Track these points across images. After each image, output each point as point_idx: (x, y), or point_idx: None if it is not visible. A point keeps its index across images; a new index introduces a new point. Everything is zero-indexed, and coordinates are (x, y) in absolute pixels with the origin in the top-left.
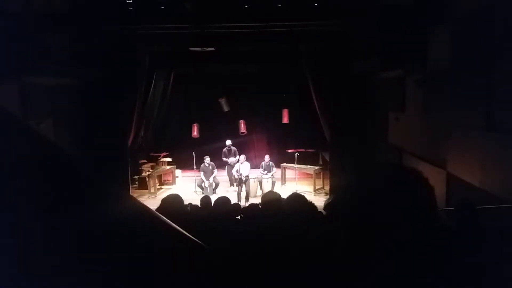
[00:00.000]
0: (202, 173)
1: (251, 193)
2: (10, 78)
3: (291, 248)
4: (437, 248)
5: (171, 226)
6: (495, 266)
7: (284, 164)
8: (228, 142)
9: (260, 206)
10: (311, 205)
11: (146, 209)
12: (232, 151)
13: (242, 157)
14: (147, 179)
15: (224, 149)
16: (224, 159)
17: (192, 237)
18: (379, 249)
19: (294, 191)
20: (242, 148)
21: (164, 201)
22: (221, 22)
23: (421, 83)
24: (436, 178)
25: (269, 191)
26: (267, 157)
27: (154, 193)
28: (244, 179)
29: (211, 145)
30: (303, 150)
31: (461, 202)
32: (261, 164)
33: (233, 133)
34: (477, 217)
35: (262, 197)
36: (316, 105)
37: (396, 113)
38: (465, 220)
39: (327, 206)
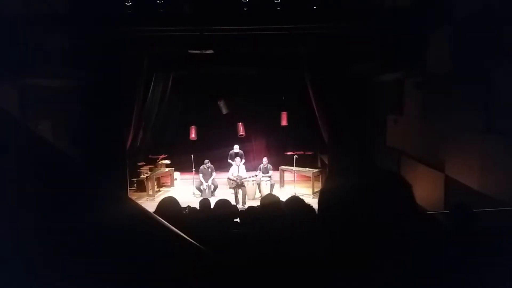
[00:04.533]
0: (201, 175)
1: (250, 196)
2: (9, 80)
3: (290, 251)
4: (433, 250)
5: (170, 229)
6: (493, 268)
7: (283, 167)
8: (236, 147)
9: (258, 209)
10: (310, 208)
11: (144, 211)
12: (239, 155)
13: (238, 159)
14: (146, 182)
15: (231, 152)
16: (229, 161)
17: (191, 240)
18: (375, 251)
19: (293, 193)
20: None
21: (161, 204)
22: (220, 25)
23: (420, 85)
24: (434, 181)
25: (268, 194)
26: (265, 160)
27: (153, 195)
28: (242, 181)
29: (210, 147)
30: (302, 152)
31: (457, 205)
32: (259, 167)
33: (232, 136)
34: (473, 220)
35: (261, 200)
36: (314, 107)
37: (395, 115)
38: (462, 223)
39: (321, 200)
